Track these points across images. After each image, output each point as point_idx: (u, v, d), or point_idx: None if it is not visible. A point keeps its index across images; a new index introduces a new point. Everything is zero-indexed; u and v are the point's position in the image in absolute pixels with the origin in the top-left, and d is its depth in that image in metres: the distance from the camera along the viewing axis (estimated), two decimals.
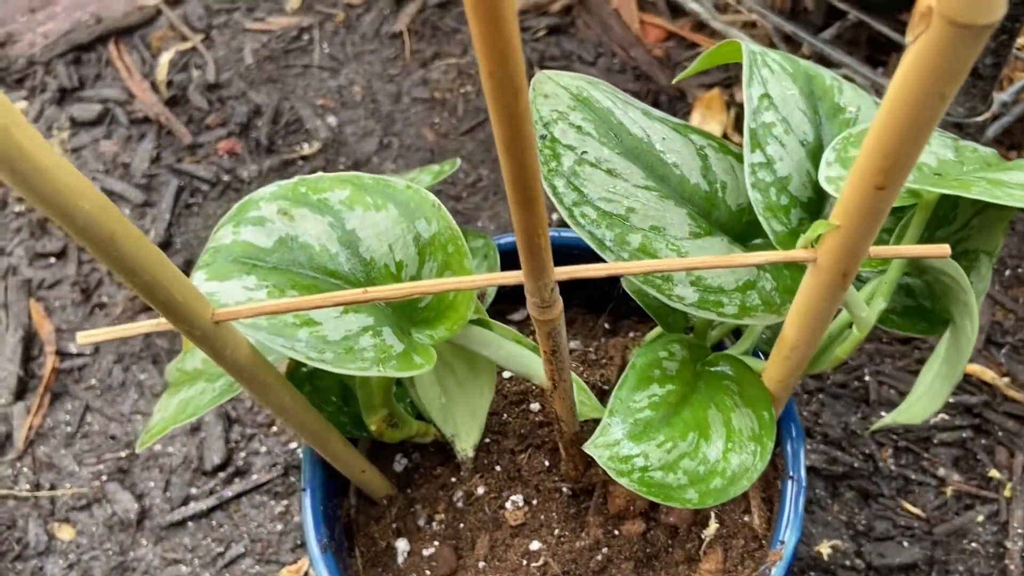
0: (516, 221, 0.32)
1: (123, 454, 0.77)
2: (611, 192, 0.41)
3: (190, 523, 0.73)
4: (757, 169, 0.42)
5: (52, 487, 0.75)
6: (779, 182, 0.42)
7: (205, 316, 0.36)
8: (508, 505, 0.51)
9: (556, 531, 0.50)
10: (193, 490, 0.75)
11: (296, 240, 0.42)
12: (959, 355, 0.44)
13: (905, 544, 0.66)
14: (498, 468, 0.52)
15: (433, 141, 0.94)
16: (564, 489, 0.51)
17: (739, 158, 0.45)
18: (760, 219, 0.42)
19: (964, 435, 0.69)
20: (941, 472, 0.68)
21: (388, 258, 0.43)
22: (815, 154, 0.44)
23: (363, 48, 1.04)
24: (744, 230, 0.44)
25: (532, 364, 0.45)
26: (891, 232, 0.42)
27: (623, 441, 0.40)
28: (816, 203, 0.43)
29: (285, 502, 0.73)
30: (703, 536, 0.49)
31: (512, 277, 0.36)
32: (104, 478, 0.75)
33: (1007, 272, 0.75)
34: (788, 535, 0.46)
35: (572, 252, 0.46)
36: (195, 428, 0.77)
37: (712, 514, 0.49)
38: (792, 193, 0.42)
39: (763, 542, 0.49)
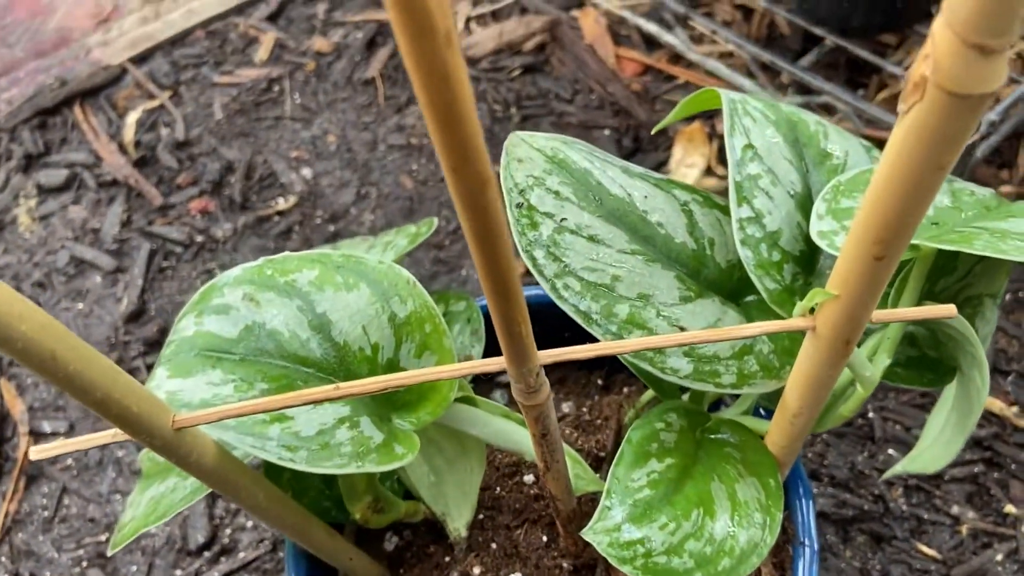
0: (493, 311, 0.30)
1: (103, 537, 0.73)
2: (594, 260, 0.38)
3: None
4: (746, 224, 0.40)
5: None
6: (769, 237, 0.40)
7: (165, 424, 0.34)
8: None
9: None
10: (178, 572, 0.71)
11: (263, 327, 0.40)
12: (970, 406, 0.42)
13: None
14: (494, 545, 0.49)
15: (412, 189, 0.92)
16: (565, 565, 0.48)
17: (725, 211, 0.43)
18: (752, 277, 0.39)
19: (976, 470, 0.67)
20: (955, 510, 0.66)
21: (363, 341, 0.40)
22: (804, 204, 0.41)
23: (335, 96, 1.01)
24: (736, 287, 0.42)
25: (522, 440, 0.43)
26: (891, 285, 0.40)
27: (623, 525, 0.38)
28: (809, 256, 0.41)
29: None
30: None
31: (494, 364, 0.33)
32: (84, 564, 0.72)
33: (1008, 296, 0.73)
34: None
35: (556, 312, 0.44)
36: None
37: None
38: (784, 248, 0.40)
39: None
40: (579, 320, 0.37)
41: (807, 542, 0.44)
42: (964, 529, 0.65)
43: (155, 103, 1.01)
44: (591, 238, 0.39)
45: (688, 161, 0.86)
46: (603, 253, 0.39)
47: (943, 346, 0.44)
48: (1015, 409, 0.68)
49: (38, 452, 0.34)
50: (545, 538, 0.49)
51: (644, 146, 0.90)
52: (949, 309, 0.33)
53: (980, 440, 0.68)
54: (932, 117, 0.23)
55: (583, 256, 0.38)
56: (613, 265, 0.39)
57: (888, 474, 0.48)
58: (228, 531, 0.73)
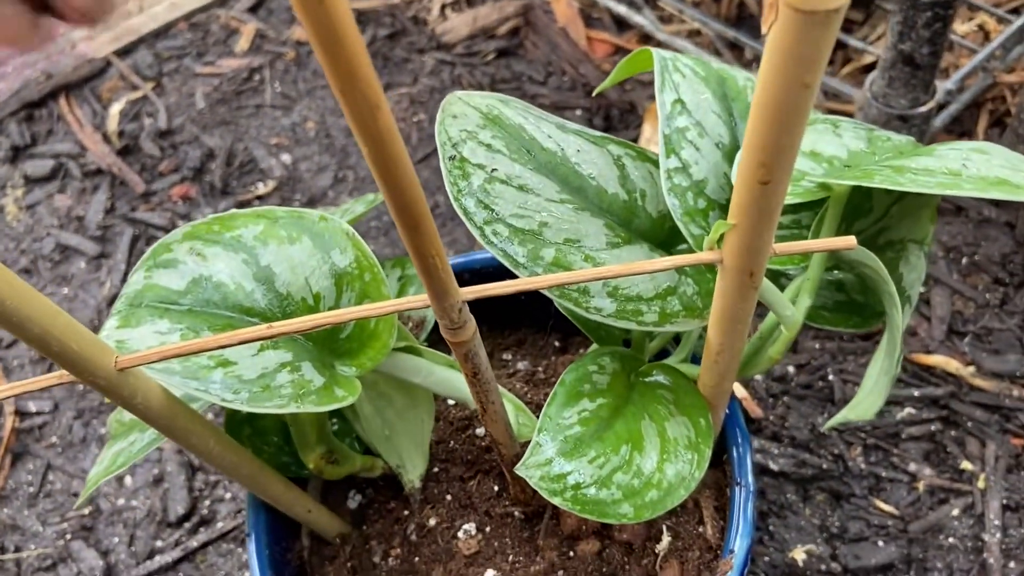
0: (408, 245, 0.31)
1: (86, 511, 0.75)
2: (523, 208, 0.40)
3: None
4: (673, 174, 0.42)
5: (17, 549, 0.74)
6: (695, 186, 0.42)
7: (107, 364, 0.35)
8: (461, 534, 0.50)
9: (511, 557, 0.49)
10: (159, 543, 0.73)
11: (210, 280, 0.41)
12: (893, 346, 0.43)
13: (880, 544, 0.65)
14: (448, 497, 0.51)
15: None
16: (516, 513, 0.50)
17: (657, 165, 0.44)
18: (679, 224, 0.41)
19: (933, 428, 0.68)
20: (912, 467, 0.67)
21: (305, 291, 0.42)
22: (731, 155, 0.43)
23: (315, 84, 1.03)
24: (666, 237, 0.43)
25: (465, 387, 0.44)
26: (808, 227, 0.42)
27: (554, 459, 0.39)
28: None
29: None
30: (657, 551, 0.48)
31: (418, 301, 0.35)
32: (68, 536, 0.74)
33: (964, 260, 0.75)
34: (738, 543, 0.44)
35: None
36: (158, 479, 0.76)
37: (664, 527, 0.48)
38: (710, 196, 0.42)
39: (718, 552, 0.47)
40: (507, 263, 0.39)
41: (743, 483, 0.46)
42: (921, 486, 0.66)
43: (139, 94, 1.03)
44: (521, 187, 0.41)
45: (657, 139, 0.88)
46: (532, 201, 0.40)
47: (870, 292, 0.45)
48: (971, 369, 0.70)
49: None
50: (496, 488, 0.50)
51: (615, 125, 0.92)
52: (849, 240, 0.34)
53: (937, 399, 0.69)
54: (788, 35, 0.25)
55: (512, 204, 0.40)
56: (541, 212, 0.40)
57: (830, 423, 0.49)
58: (207, 502, 0.74)
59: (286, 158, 0.96)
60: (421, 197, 0.29)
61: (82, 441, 0.79)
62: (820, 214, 0.40)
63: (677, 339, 0.51)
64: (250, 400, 0.38)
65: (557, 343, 0.60)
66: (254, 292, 0.42)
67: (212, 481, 0.76)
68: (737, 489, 0.46)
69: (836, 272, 0.45)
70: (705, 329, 0.46)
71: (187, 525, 0.73)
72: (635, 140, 0.90)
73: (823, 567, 0.64)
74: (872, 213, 0.42)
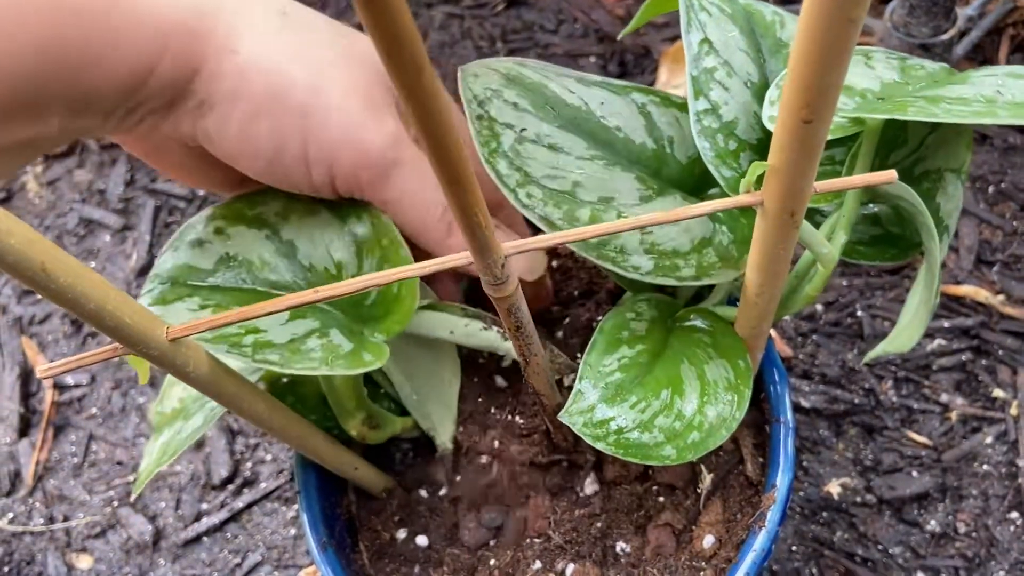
0: (451, 202, 0.32)
1: (131, 478, 0.77)
2: (555, 168, 0.40)
3: (205, 538, 0.74)
4: (702, 116, 0.42)
5: (66, 518, 0.76)
6: (726, 127, 0.42)
7: (159, 336, 0.36)
8: (502, 484, 0.51)
9: (555, 504, 0.50)
10: (204, 505, 0.75)
11: (235, 258, 0.42)
12: (931, 277, 0.43)
13: (915, 474, 0.65)
14: (490, 449, 0.52)
15: None
16: (558, 461, 0.51)
17: (684, 109, 0.44)
18: (710, 167, 0.41)
19: (963, 358, 0.69)
20: (944, 398, 0.68)
21: (327, 260, 0.43)
22: (761, 94, 0.43)
23: None
24: (697, 182, 0.43)
25: (491, 337, 0.45)
26: (843, 163, 0.41)
27: (597, 406, 0.40)
28: (765, 144, 0.42)
29: (296, 506, 0.74)
30: (699, 491, 0.49)
31: (459, 259, 0.35)
32: (116, 504, 0.76)
33: (991, 189, 0.74)
34: (780, 478, 0.45)
35: None
36: (199, 445, 0.78)
37: (705, 467, 0.49)
38: (740, 137, 0.42)
39: (759, 488, 0.48)
40: (543, 226, 0.39)
41: (782, 419, 0.47)
42: (954, 416, 0.67)
43: None
44: (551, 147, 0.41)
45: (674, 82, 0.87)
46: (563, 160, 0.40)
47: (906, 223, 0.45)
48: (1001, 298, 0.70)
49: (44, 371, 0.36)
50: (538, 437, 0.51)
51: (630, 70, 0.91)
52: (889, 175, 0.34)
53: (967, 329, 0.69)
54: None
55: (544, 165, 0.40)
56: (573, 171, 0.40)
57: (869, 356, 0.49)
58: (248, 464, 0.76)
59: None
60: (464, 152, 0.29)
61: (121, 411, 0.81)
62: (854, 149, 0.40)
63: (710, 286, 0.51)
64: (281, 362, 0.39)
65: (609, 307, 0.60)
66: (279, 266, 0.42)
67: (252, 444, 0.77)
68: (777, 426, 0.47)
69: (871, 206, 0.45)
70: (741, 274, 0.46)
71: (231, 487, 0.75)
72: (651, 84, 0.89)
73: (858, 499, 0.65)
74: (907, 144, 0.42)
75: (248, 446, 0.77)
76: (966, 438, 0.66)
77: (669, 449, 0.40)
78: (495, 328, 0.46)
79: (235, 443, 0.77)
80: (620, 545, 0.50)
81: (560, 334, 0.54)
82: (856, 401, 0.68)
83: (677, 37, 0.92)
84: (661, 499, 0.50)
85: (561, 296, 0.55)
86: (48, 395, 0.82)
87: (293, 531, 0.73)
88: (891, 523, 0.64)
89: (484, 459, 0.51)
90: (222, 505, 0.74)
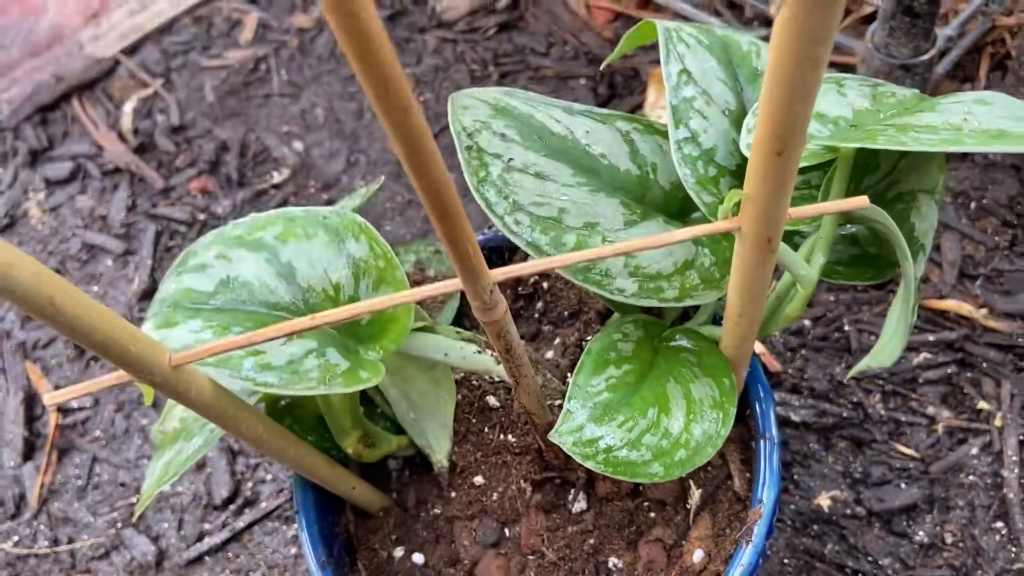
0: (440, 234, 0.33)
1: (134, 499, 0.78)
2: (541, 196, 0.42)
3: (207, 558, 0.75)
4: (683, 145, 0.43)
5: (70, 540, 0.77)
6: (705, 154, 0.43)
7: (162, 363, 0.37)
8: (495, 500, 0.52)
9: (546, 521, 0.51)
10: (206, 525, 0.76)
11: (236, 280, 0.44)
12: (908, 295, 0.45)
13: (903, 486, 0.67)
14: (483, 467, 0.53)
15: None
16: (550, 479, 0.52)
17: (666, 136, 0.46)
18: (691, 193, 0.43)
19: (949, 371, 0.70)
20: (930, 410, 0.69)
21: (325, 282, 0.44)
22: (739, 121, 0.44)
23: (320, 70, 1.05)
24: (680, 207, 0.45)
25: (484, 360, 0.46)
26: (819, 188, 0.43)
27: (586, 425, 0.41)
28: (744, 169, 0.44)
29: (296, 525, 0.75)
30: (689, 506, 0.50)
31: (449, 286, 0.37)
32: (119, 525, 0.77)
33: (972, 205, 0.76)
34: (766, 493, 0.47)
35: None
36: (201, 465, 0.79)
37: (693, 483, 0.50)
38: (720, 163, 0.43)
39: (747, 503, 0.50)
40: (531, 252, 0.41)
41: (767, 436, 0.48)
42: (940, 427, 0.68)
43: (149, 91, 1.05)
44: (537, 175, 0.42)
45: (662, 103, 0.89)
46: (549, 188, 0.42)
47: (883, 243, 0.47)
48: (984, 311, 0.71)
49: (51, 399, 0.38)
50: (530, 457, 0.53)
51: (619, 92, 0.93)
52: (861, 201, 0.36)
53: (951, 343, 0.71)
54: (800, 11, 0.26)
55: (531, 192, 0.42)
56: (560, 198, 0.42)
57: (853, 372, 0.51)
58: (249, 484, 0.77)
59: (298, 145, 0.98)
60: (451, 188, 0.31)
61: (125, 433, 0.82)
62: (829, 174, 0.41)
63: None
64: (280, 385, 0.40)
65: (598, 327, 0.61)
66: (278, 288, 0.44)
67: (252, 464, 0.78)
68: (762, 442, 0.48)
69: (848, 227, 0.47)
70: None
71: (232, 507, 0.76)
72: (640, 105, 0.91)
73: (848, 511, 0.66)
74: (880, 169, 0.43)
75: (249, 466, 0.78)
76: (952, 450, 0.67)
77: (657, 467, 0.41)
78: (488, 351, 0.47)
79: (236, 463, 0.78)
80: (612, 561, 0.51)
81: (550, 354, 0.55)
82: (845, 415, 0.70)
83: None
84: (652, 515, 0.51)
85: (551, 316, 0.57)
86: (52, 418, 0.83)
87: (293, 550, 0.74)
88: (880, 535, 0.65)
89: (479, 478, 0.53)
90: (223, 525, 0.76)
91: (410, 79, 1.00)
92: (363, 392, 0.55)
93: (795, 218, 0.36)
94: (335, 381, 0.41)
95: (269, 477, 0.78)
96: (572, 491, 0.52)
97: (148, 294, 0.89)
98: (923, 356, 0.71)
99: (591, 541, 0.51)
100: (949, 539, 0.64)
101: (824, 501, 0.67)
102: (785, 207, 0.34)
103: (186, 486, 0.78)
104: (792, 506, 0.67)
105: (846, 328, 0.73)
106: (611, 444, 0.41)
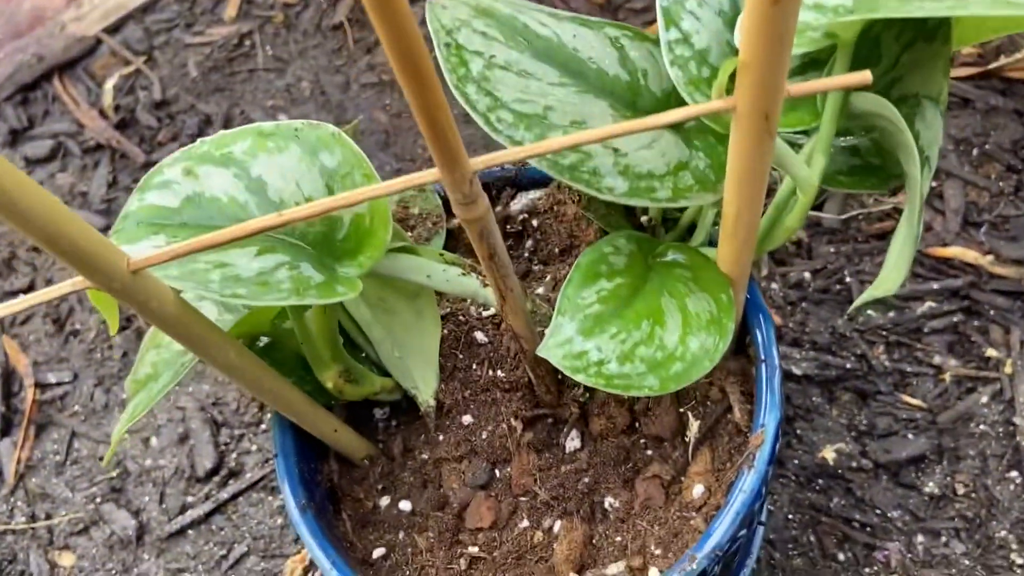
0: (415, 106, 0.31)
1: (114, 473, 0.75)
2: (525, 93, 0.39)
3: (190, 531, 0.72)
4: (674, 46, 0.41)
5: (48, 516, 0.74)
6: (698, 55, 0.41)
7: (121, 268, 0.35)
8: (484, 441, 0.50)
9: (539, 460, 0.49)
10: (189, 498, 0.73)
11: (203, 196, 0.41)
12: (913, 208, 0.42)
13: (910, 437, 0.64)
14: (472, 405, 0.50)
15: (387, 122, 0.93)
16: (541, 416, 0.50)
17: (657, 43, 0.43)
18: (683, 95, 0.40)
19: (955, 319, 0.68)
20: (937, 360, 0.67)
21: (298, 195, 0.42)
22: (732, 22, 0.42)
23: (306, 44, 1.03)
24: None
25: (468, 284, 0.44)
26: (817, 98, 0.41)
27: (575, 338, 0.39)
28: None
29: (283, 495, 0.72)
30: (687, 439, 0.48)
31: (428, 175, 0.35)
32: (99, 500, 0.74)
33: (975, 151, 0.74)
34: (768, 417, 0.44)
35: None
36: (183, 437, 0.76)
37: (691, 415, 0.48)
38: (713, 64, 0.41)
39: (748, 436, 0.47)
40: (513, 148, 0.38)
41: (768, 360, 0.46)
42: (947, 377, 0.66)
43: (131, 68, 1.03)
44: (521, 73, 0.40)
45: None
46: (534, 86, 0.40)
47: (886, 154, 0.45)
48: (990, 258, 0.69)
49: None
50: (520, 394, 0.50)
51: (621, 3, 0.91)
52: (863, 76, 0.34)
53: (957, 290, 0.68)
54: None
55: (514, 89, 0.40)
56: (545, 97, 0.40)
57: (856, 303, 0.48)
58: (234, 455, 0.75)
59: (283, 118, 0.96)
60: (421, 45, 0.29)
61: (105, 408, 0.79)
62: (828, 67, 0.39)
63: (690, 230, 0.50)
64: (249, 295, 0.38)
65: None
66: (248, 203, 0.42)
67: (237, 435, 0.76)
68: (763, 366, 0.46)
69: (849, 137, 0.44)
70: (719, 214, 0.46)
71: (216, 479, 0.74)
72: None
73: (854, 464, 0.64)
74: (882, 62, 0.41)
75: (233, 436, 0.75)
76: (961, 399, 0.65)
77: (652, 379, 0.39)
78: (474, 275, 0.45)
79: (219, 434, 0.76)
80: (608, 500, 0.48)
81: (541, 290, 0.53)
82: (848, 366, 0.67)
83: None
84: (648, 452, 0.49)
85: (541, 255, 0.54)
86: (29, 394, 0.80)
87: (280, 520, 0.71)
88: (888, 487, 0.63)
89: (467, 417, 0.50)
90: (207, 497, 0.73)
91: None
92: (346, 334, 0.52)
93: (794, 94, 0.33)
94: (308, 292, 0.38)
95: (254, 448, 0.75)
96: (564, 428, 0.49)
97: None
98: (928, 305, 0.68)
99: (585, 480, 0.48)
100: (961, 490, 0.62)
101: (829, 454, 0.64)
102: (782, 76, 0.32)
103: (168, 459, 0.76)
104: (795, 461, 0.65)
105: (847, 280, 0.71)
106: (603, 357, 0.39)
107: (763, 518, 0.57)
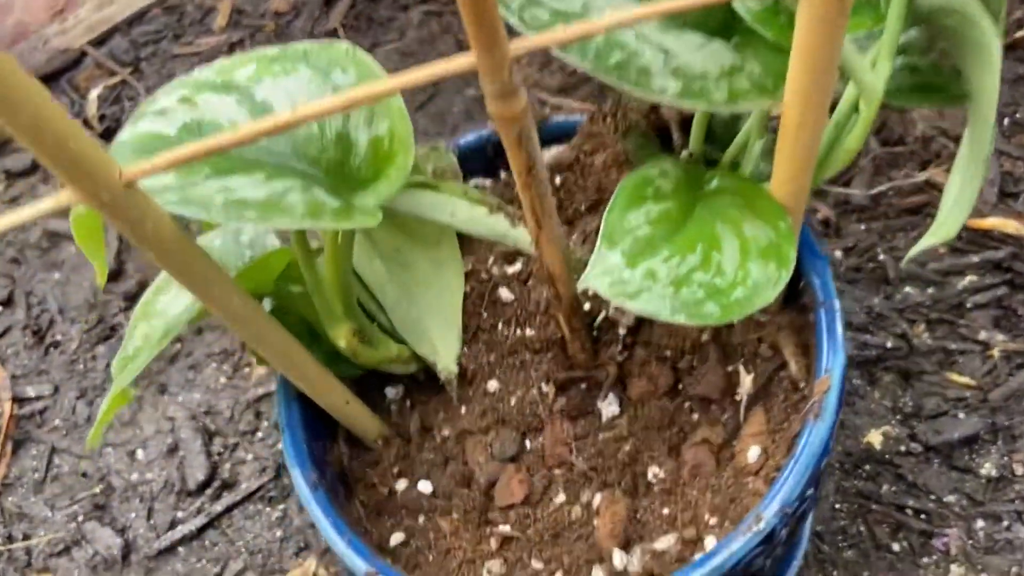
0: None
1: (98, 489, 0.70)
2: None
3: (180, 548, 0.66)
4: None
5: (26, 537, 0.68)
6: None
7: (113, 177, 0.31)
8: (514, 408, 0.45)
9: (574, 429, 0.44)
10: (179, 513, 0.68)
11: (202, 122, 0.37)
12: (985, 123, 0.39)
13: (961, 416, 0.60)
14: (498, 370, 0.46)
15: None
16: (577, 380, 0.45)
17: None
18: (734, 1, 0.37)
19: (999, 293, 0.64)
20: (983, 336, 0.62)
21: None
22: None
23: None
24: (721, 24, 0.39)
25: (497, 223, 0.40)
26: (878, 5, 0.37)
27: (622, 263, 0.35)
28: None
29: (282, 506, 0.66)
30: (738, 399, 0.43)
31: (462, 62, 0.31)
32: (80, 518, 0.68)
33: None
34: (833, 362, 0.40)
35: None
36: (172, 449, 0.71)
37: (742, 369, 0.43)
38: None
39: (805, 394, 0.42)
40: (554, 48, 0.34)
41: (828, 303, 0.41)
42: (996, 353, 0.62)
43: (116, 79, 0.99)
44: None
45: None
46: None
47: (948, 76, 0.41)
48: None
49: None
50: (551, 355, 0.45)
51: None
52: None
53: (999, 262, 0.64)
54: None
55: None
56: None
57: (911, 253, 0.44)
58: (228, 466, 0.69)
59: None
60: None
61: (87, 421, 0.74)
62: None
63: (732, 169, 0.46)
64: (257, 218, 0.33)
65: None
66: None
67: (231, 444, 0.70)
68: (822, 311, 0.42)
69: (906, 57, 0.41)
70: (767, 150, 0.42)
71: (208, 491, 0.68)
72: None
73: (902, 447, 0.59)
74: None
75: (227, 446, 0.70)
76: (1012, 375, 0.61)
77: (712, 306, 0.34)
78: (502, 214, 0.41)
79: (212, 444, 0.70)
80: (652, 470, 0.43)
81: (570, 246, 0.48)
82: (889, 345, 0.63)
83: None
84: (695, 415, 0.44)
85: (567, 213, 0.50)
86: (7, 408, 0.74)
87: (279, 532, 0.65)
88: (942, 470, 0.58)
89: (493, 383, 0.45)
90: (199, 511, 0.67)
91: (395, 54, 0.96)
92: (359, 303, 0.48)
93: None
94: (324, 216, 0.34)
95: (250, 457, 0.69)
96: (601, 392, 0.44)
97: (114, 276, 0.82)
98: (969, 279, 0.64)
99: (626, 448, 0.43)
100: (1020, 470, 0.57)
101: (875, 438, 0.59)
102: None
103: (156, 472, 0.70)
104: (840, 447, 0.60)
105: (881, 257, 0.67)
106: (656, 282, 0.34)
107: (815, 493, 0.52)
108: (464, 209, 0.40)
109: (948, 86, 0.41)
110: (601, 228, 0.36)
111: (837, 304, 0.41)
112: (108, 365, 0.77)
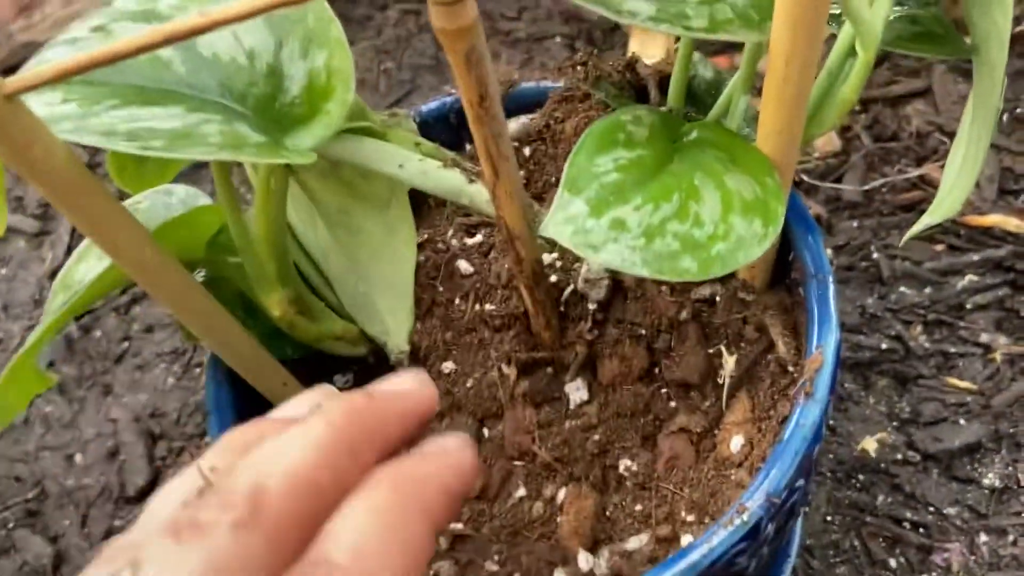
0: None
1: (31, 495, 0.64)
2: None
3: None
4: None
5: None
6: None
7: None
8: (470, 391, 0.40)
9: (540, 416, 0.39)
10: (116, 521, 0.62)
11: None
12: (994, 78, 0.35)
13: (962, 423, 0.55)
14: (454, 349, 0.41)
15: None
16: (542, 361, 0.40)
17: None
18: None
19: (1000, 293, 0.60)
20: (984, 338, 0.58)
21: (235, 50, 0.34)
22: None
23: None
24: None
25: (452, 177, 0.36)
26: None
27: (587, 211, 0.30)
28: None
29: None
30: (720, 383, 0.39)
31: None
32: (11, 525, 0.63)
33: (1005, 117, 0.68)
34: (826, 338, 0.35)
35: None
36: (113, 453, 0.65)
37: (724, 350, 0.39)
38: None
39: (795, 376, 0.38)
40: None
41: (820, 275, 0.37)
42: (998, 356, 0.57)
43: None
44: None
45: (648, 52, 0.81)
46: None
47: (948, 27, 0.37)
48: None
49: None
50: (512, 333, 0.41)
51: (600, 45, 0.85)
52: None
53: (1000, 261, 0.61)
54: None
55: None
56: None
57: (912, 231, 0.40)
58: (171, 471, 0.64)
59: None
60: None
61: (24, 423, 0.69)
62: None
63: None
64: (167, 147, 0.29)
65: None
66: (172, 60, 0.34)
67: (176, 448, 0.65)
68: (814, 282, 0.37)
69: (905, 7, 0.37)
70: (754, 113, 0.38)
71: (149, 498, 0.62)
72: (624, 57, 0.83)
73: (899, 456, 0.55)
74: None
75: (171, 450, 0.65)
76: (1016, 379, 0.56)
77: (688, 261, 0.30)
78: (458, 169, 0.36)
79: (156, 448, 0.65)
80: (624, 462, 0.39)
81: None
82: (883, 348, 0.59)
83: None
84: (672, 402, 0.40)
85: (536, 187, 0.46)
86: None
87: None
88: (941, 481, 0.54)
89: (448, 364, 0.41)
90: (137, 519, 0.62)
91: (371, 49, 0.92)
92: (301, 276, 0.43)
93: None
94: (245, 149, 0.30)
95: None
96: (568, 375, 0.40)
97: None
98: (968, 279, 0.60)
99: (596, 438, 0.39)
100: None
101: (870, 445, 0.55)
102: None
103: (95, 477, 0.65)
104: (831, 455, 0.55)
105: (874, 256, 0.63)
106: (625, 231, 0.30)
107: (804, 505, 0.47)
108: (414, 162, 0.35)
109: (950, 38, 0.37)
110: (564, 172, 0.31)
111: (831, 277, 0.37)
112: (51, 364, 0.72)
